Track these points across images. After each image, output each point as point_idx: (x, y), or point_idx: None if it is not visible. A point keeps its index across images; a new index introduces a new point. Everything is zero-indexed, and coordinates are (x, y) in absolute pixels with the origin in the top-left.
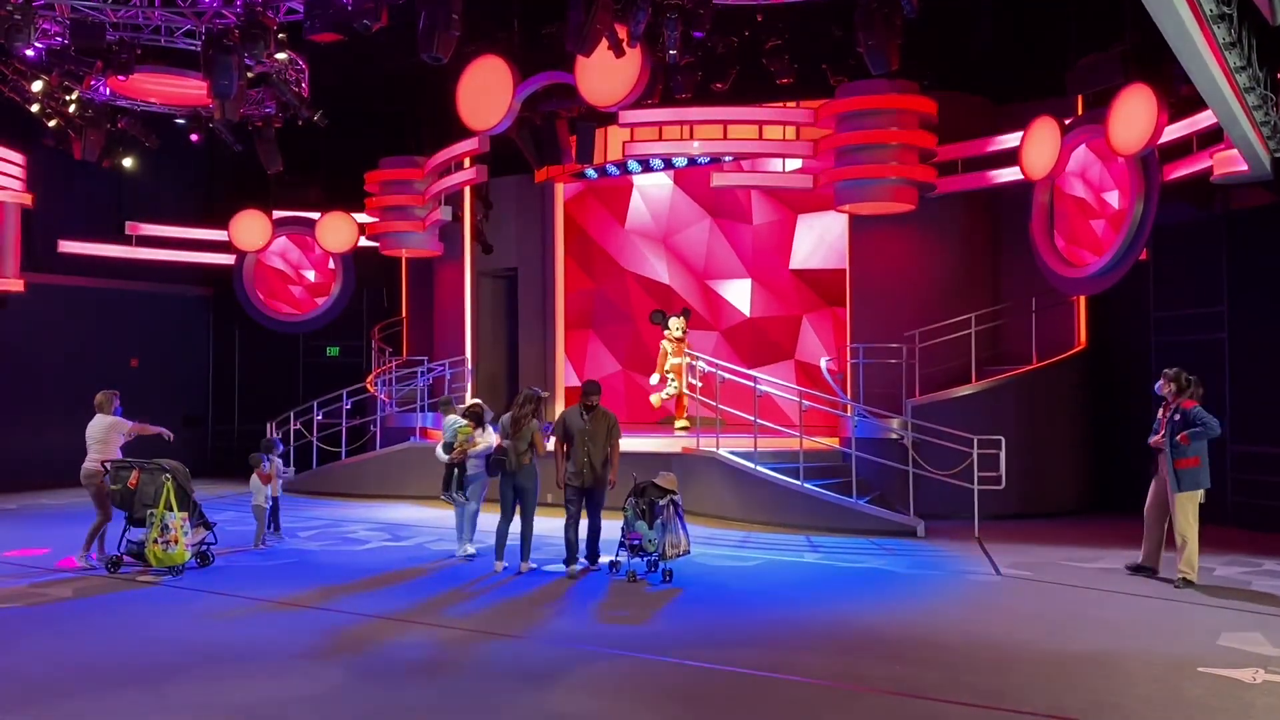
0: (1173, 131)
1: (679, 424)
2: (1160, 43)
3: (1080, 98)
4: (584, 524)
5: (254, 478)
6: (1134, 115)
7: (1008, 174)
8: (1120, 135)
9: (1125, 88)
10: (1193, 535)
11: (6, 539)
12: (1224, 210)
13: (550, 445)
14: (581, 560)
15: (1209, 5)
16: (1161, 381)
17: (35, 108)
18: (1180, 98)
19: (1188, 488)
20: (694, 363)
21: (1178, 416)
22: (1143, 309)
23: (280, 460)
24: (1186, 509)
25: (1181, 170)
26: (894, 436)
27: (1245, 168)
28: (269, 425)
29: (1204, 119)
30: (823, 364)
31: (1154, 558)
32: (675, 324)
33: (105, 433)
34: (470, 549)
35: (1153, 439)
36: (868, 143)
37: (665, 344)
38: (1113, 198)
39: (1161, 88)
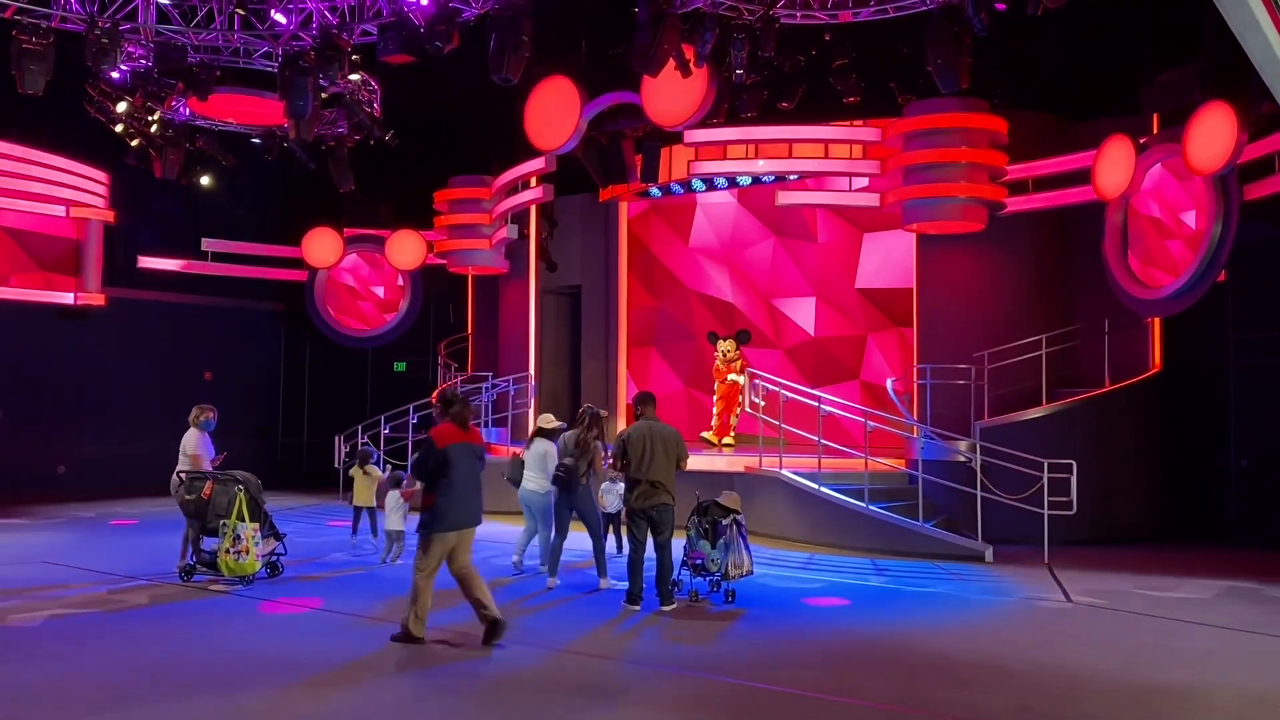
0: (1252, 150)
1: (725, 442)
2: (1240, 59)
3: (1155, 115)
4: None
5: (391, 494)
6: (1213, 134)
7: (1080, 193)
8: (1198, 154)
9: (1203, 105)
10: (425, 584)
11: (86, 549)
12: None
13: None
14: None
15: None
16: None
17: (119, 128)
18: (1262, 116)
19: (421, 530)
20: (755, 381)
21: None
22: (1221, 331)
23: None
24: (423, 550)
25: (1263, 189)
26: (962, 459)
27: None
28: (337, 438)
29: None
30: (889, 385)
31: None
32: (723, 347)
33: (191, 447)
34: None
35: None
36: (936, 161)
37: (718, 363)
38: (1189, 217)
39: (1241, 105)
